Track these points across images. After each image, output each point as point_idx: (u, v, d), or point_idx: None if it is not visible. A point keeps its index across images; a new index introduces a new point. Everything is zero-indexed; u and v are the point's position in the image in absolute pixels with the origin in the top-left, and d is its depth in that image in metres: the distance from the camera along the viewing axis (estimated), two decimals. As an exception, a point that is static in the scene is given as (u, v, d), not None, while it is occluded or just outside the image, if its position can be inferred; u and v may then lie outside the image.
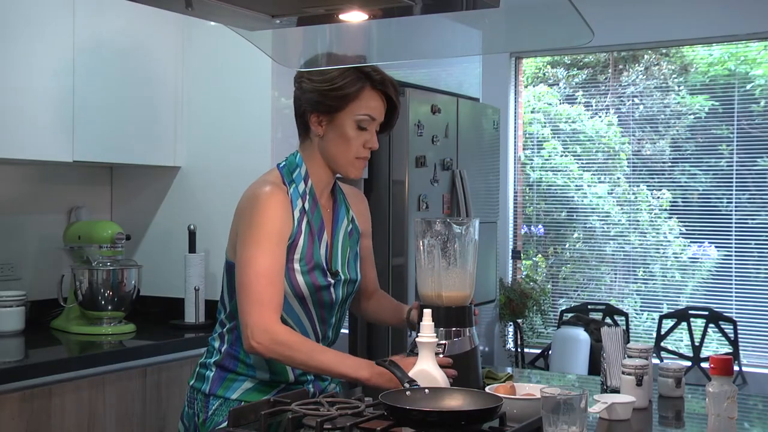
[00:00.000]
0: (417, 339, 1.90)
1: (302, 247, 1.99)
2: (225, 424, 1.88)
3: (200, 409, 2.04)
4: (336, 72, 1.98)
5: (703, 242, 5.25)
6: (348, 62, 2.01)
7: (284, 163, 2.07)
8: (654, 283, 5.39)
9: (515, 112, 5.79)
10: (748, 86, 5.12)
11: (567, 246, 5.65)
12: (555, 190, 5.69)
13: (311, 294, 2.00)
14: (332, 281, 2.03)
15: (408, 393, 1.72)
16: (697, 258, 5.26)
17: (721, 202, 5.20)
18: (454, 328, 1.98)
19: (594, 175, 5.57)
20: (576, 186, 5.62)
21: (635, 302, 5.43)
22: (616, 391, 2.08)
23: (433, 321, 1.89)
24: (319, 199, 2.06)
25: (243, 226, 1.96)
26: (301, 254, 1.98)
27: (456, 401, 1.71)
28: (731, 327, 4.87)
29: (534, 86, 5.79)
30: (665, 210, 5.35)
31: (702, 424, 1.88)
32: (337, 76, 1.97)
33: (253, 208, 1.96)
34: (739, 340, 4.86)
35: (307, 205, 2.01)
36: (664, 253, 5.35)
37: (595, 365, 4.80)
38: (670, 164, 5.35)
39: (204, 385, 2.05)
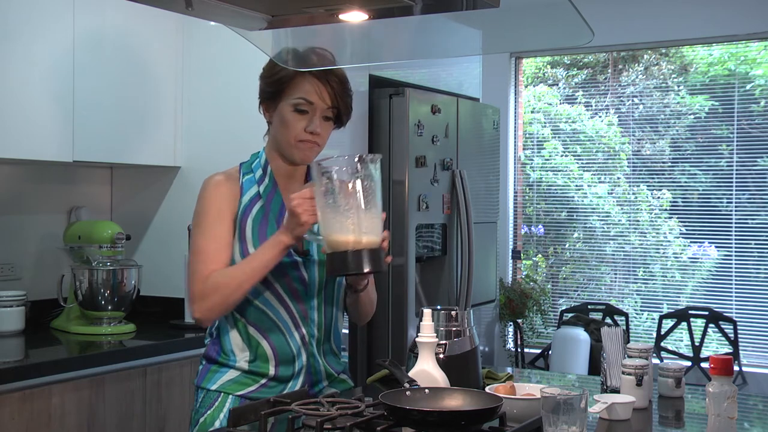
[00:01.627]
0: (417, 339, 1.90)
1: (252, 228, 2.03)
2: (208, 414, 2.02)
3: (193, 403, 2.10)
4: (275, 63, 2.06)
5: (703, 242, 5.25)
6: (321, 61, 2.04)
7: (248, 158, 2.15)
8: (654, 283, 5.39)
9: (515, 112, 5.79)
10: (748, 86, 5.11)
11: (567, 246, 5.65)
12: (555, 190, 5.69)
13: (277, 276, 2.00)
14: (298, 258, 2.03)
15: (408, 393, 1.72)
16: (697, 258, 5.26)
17: (721, 202, 5.20)
18: (368, 271, 1.83)
19: (594, 175, 5.57)
20: (576, 186, 5.62)
21: (635, 302, 5.43)
22: (616, 391, 2.09)
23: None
24: (287, 185, 2.09)
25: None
26: (252, 234, 2.02)
27: (456, 401, 1.71)
28: (731, 327, 4.87)
29: (534, 86, 5.79)
30: (665, 210, 5.35)
31: (702, 424, 1.88)
32: (274, 65, 2.05)
33: (197, 199, 2.07)
34: (739, 340, 4.86)
35: (262, 189, 2.06)
36: (664, 253, 5.35)
37: (595, 365, 4.80)
38: (670, 164, 5.35)
39: (196, 379, 2.11)
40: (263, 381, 2.03)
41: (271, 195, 2.07)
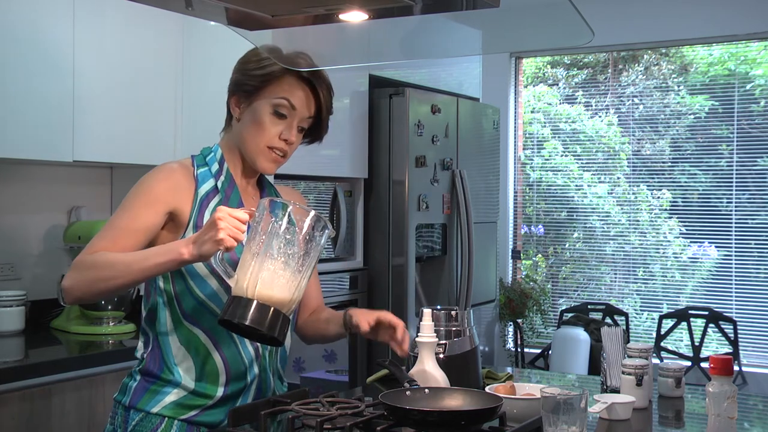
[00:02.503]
0: (417, 339, 1.90)
1: None
2: None
3: (119, 425, 1.84)
4: (264, 55, 1.88)
5: (703, 242, 5.25)
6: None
7: (199, 152, 1.96)
8: (654, 283, 5.39)
9: (515, 112, 5.79)
10: (748, 86, 5.11)
11: (567, 246, 5.65)
12: (555, 190, 5.69)
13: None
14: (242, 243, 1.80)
15: (408, 393, 1.72)
16: (697, 258, 5.26)
17: (721, 202, 5.20)
18: (269, 336, 1.65)
19: (594, 175, 5.57)
20: (576, 186, 5.62)
21: (635, 302, 5.43)
22: (616, 391, 2.09)
23: None
24: (239, 185, 1.92)
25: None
26: None
27: (456, 401, 1.71)
28: (731, 327, 4.87)
29: (534, 86, 5.80)
30: (665, 210, 5.35)
31: (702, 424, 1.88)
32: (264, 58, 1.87)
33: (141, 178, 1.88)
34: (739, 340, 4.86)
35: (220, 184, 1.88)
36: (664, 253, 5.35)
37: (595, 365, 4.80)
38: (670, 164, 5.35)
39: (125, 397, 1.85)
40: (209, 402, 1.82)
41: (229, 191, 1.89)
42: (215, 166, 1.91)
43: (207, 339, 1.82)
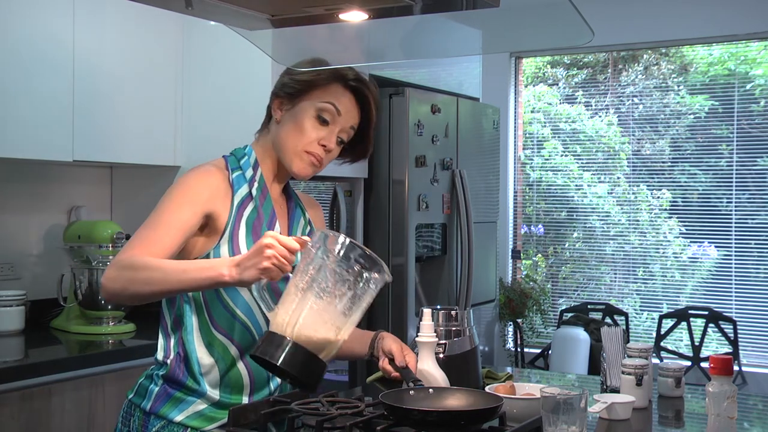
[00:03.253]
0: (417, 339, 1.91)
1: (246, 230, 1.81)
2: None
3: (136, 429, 1.80)
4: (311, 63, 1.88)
5: (703, 242, 5.25)
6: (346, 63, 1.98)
7: (231, 153, 1.91)
8: (654, 283, 5.39)
9: (515, 112, 5.79)
10: (748, 86, 5.11)
11: (567, 246, 5.65)
12: (555, 190, 5.69)
13: (266, 284, 1.73)
14: (290, 274, 1.77)
15: (412, 393, 1.72)
16: (697, 258, 5.26)
17: (721, 202, 5.20)
18: (301, 381, 1.58)
19: (594, 175, 5.57)
20: (576, 186, 5.62)
21: (635, 302, 5.43)
22: (616, 391, 2.09)
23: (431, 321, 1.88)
24: (270, 191, 1.89)
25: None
26: (246, 236, 1.80)
27: (456, 401, 1.71)
28: (731, 327, 4.87)
29: (534, 86, 5.80)
30: (665, 210, 5.35)
31: (702, 424, 1.88)
32: (313, 66, 1.87)
33: (174, 183, 1.81)
34: (739, 340, 4.86)
35: (255, 191, 1.85)
36: (664, 253, 5.35)
37: (595, 365, 4.80)
38: (670, 164, 5.35)
39: (145, 401, 1.81)
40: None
41: (262, 199, 1.86)
42: (249, 171, 1.86)
43: (235, 350, 1.80)
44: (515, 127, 5.78)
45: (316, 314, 1.55)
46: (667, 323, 5.08)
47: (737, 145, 5.14)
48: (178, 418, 1.78)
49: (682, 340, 5.17)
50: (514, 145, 5.78)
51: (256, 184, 1.86)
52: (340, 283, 1.55)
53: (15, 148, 2.84)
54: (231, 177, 1.84)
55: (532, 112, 5.78)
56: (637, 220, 5.43)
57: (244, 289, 1.77)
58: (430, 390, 1.75)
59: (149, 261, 1.69)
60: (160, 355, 1.85)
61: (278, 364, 1.53)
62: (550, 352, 5.09)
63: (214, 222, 1.80)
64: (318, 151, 1.85)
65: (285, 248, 1.59)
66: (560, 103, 5.70)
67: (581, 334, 4.92)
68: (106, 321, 3.09)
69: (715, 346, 5.07)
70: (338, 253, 1.55)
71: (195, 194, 1.77)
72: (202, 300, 1.80)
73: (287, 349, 1.53)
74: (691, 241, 5.29)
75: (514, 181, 5.78)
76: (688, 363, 4.92)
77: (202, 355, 1.80)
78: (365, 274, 1.56)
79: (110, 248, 3.10)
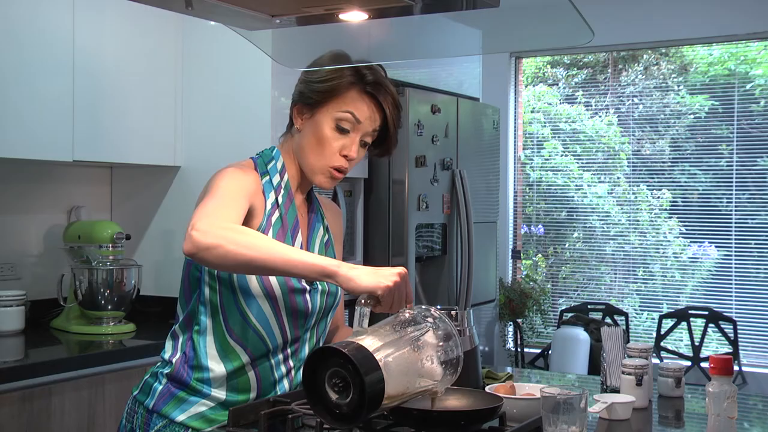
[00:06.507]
0: (417, 339, 1.90)
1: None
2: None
3: (139, 427, 1.80)
4: (330, 69, 1.84)
5: (703, 242, 5.25)
6: (349, 63, 1.97)
7: (258, 155, 1.89)
8: (654, 283, 5.39)
9: (515, 112, 5.79)
10: (748, 86, 5.12)
11: (567, 246, 5.65)
12: (555, 190, 5.69)
13: (283, 295, 1.77)
14: (308, 287, 1.81)
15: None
16: (697, 258, 5.26)
17: (721, 202, 5.20)
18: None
19: (594, 174, 5.57)
20: (576, 186, 5.62)
21: (635, 302, 5.43)
22: (616, 391, 2.08)
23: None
24: (295, 199, 1.88)
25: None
26: None
27: (456, 401, 1.71)
28: (731, 327, 4.87)
29: (534, 86, 5.80)
30: (665, 210, 5.35)
31: (702, 424, 1.88)
32: (329, 72, 1.82)
33: (211, 179, 1.77)
34: (739, 339, 4.86)
35: (281, 199, 1.83)
36: (664, 253, 5.35)
37: (595, 365, 4.80)
38: (670, 164, 5.35)
39: (148, 399, 1.81)
40: None
41: (286, 206, 1.84)
42: (276, 178, 1.84)
43: (247, 358, 1.79)
44: (515, 127, 5.78)
45: (403, 362, 1.51)
46: (667, 323, 5.08)
47: (737, 145, 5.14)
48: (180, 418, 1.77)
49: (682, 340, 5.17)
50: (514, 145, 5.78)
51: (282, 191, 1.84)
52: (414, 351, 1.53)
53: (15, 148, 2.84)
54: (262, 181, 1.82)
55: (532, 112, 5.78)
56: (637, 220, 5.44)
57: (262, 297, 1.76)
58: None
59: (250, 229, 1.64)
60: (166, 354, 1.85)
61: (363, 377, 1.42)
62: (550, 352, 5.09)
63: (248, 222, 1.75)
64: (341, 164, 1.83)
65: (405, 294, 1.59)
66: (560, 103, 5.70)
67: (581, 334, 4.92)
68: (106, 321, 3.09)
69: (715, 346, 5.07)
70: (434, 333, 1.57)
71: (237, 189, 1.72)
72: (219, 304, 1.79)
73: (375, 371, 1.43)
74: (691, 241, 5.29)
75: (514, 181, 5.79)
76: (688, 363, 4.92)
77: (211, 359, 1.79)
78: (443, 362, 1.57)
79: (110, 248, 3.10)
